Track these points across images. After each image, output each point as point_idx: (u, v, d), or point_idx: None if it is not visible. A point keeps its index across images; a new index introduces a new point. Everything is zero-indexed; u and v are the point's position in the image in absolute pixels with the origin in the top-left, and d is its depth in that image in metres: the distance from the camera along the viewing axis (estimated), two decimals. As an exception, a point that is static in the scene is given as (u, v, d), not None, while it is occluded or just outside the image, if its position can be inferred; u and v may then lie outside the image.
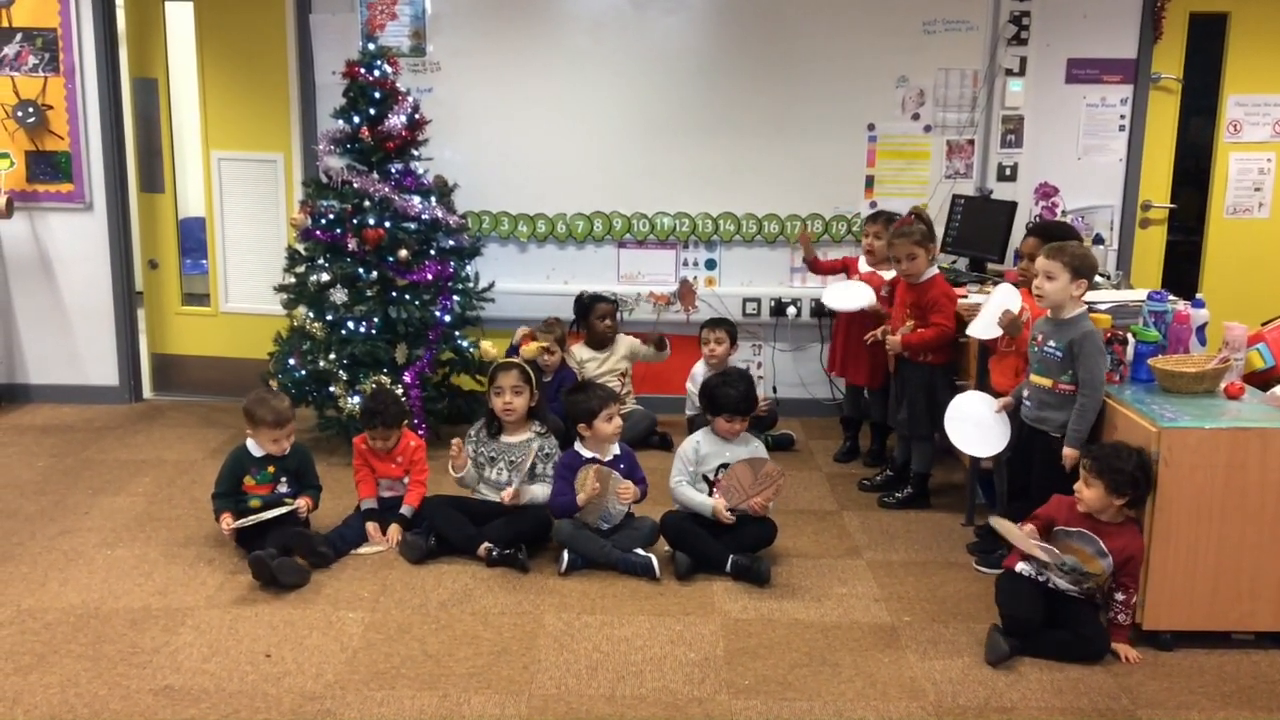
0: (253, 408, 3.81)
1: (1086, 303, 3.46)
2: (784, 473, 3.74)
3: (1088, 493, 3.11)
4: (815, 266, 5.11)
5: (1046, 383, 3.43)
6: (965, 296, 4.42)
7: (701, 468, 3.80)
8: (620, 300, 5.40)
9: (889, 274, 4.71)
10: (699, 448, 3.82)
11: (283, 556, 3.54)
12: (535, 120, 5.44)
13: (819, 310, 5.42)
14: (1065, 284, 3.36)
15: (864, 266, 4.89)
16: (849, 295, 4.71)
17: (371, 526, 3.90)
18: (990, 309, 3.82)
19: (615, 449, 3.85)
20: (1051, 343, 3.41)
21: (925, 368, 4.23)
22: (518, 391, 3.89)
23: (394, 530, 3.89)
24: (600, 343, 5.25)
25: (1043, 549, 3.13)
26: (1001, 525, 3.26)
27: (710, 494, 3.74)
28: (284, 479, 3.85)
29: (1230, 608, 3.15)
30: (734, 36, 5.35)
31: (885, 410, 4.70)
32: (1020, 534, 3.18)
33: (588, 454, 3.80)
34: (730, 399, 3.78)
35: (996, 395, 3.77)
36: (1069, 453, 3.31)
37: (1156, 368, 3.41)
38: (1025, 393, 3.54)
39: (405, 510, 3.95)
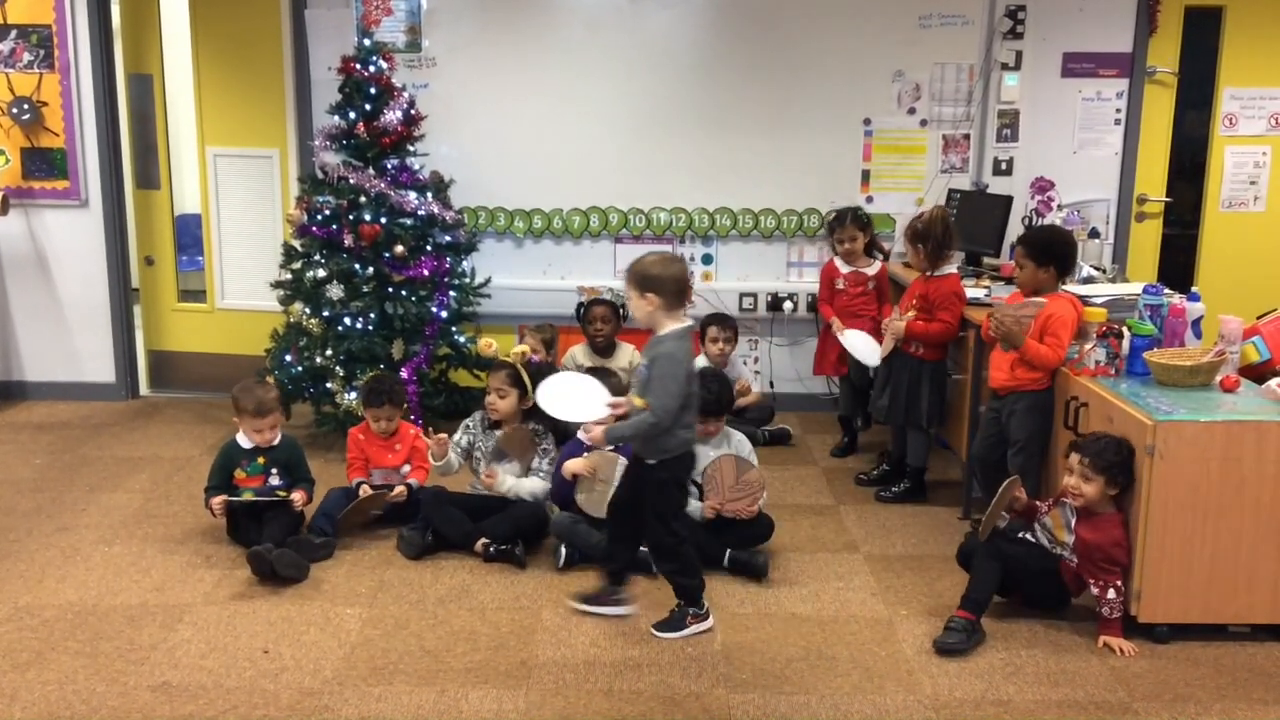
0: (238, 395, 3.86)
1: (1080, 296, 3.44)
2: (764, 486, 3.74)
3: (1088, 488, 3.13)
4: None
5: (640, 403, 3.06)
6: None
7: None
8: (619, 297, 5.36)
9: (871, 269, 4.89)
10: None
11: (281, 549, 3.54)
12: (531, 116, 5.43)
13: (815, 305, 5.43)
14: (638, 304, 3.08)
15: (844, 268, 4.93)
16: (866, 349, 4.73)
17: (365, 488, 3.91)
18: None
19: None
20: (644, 361, 3.14)
21: (915, 360, 4.24)
22: (501, 394, 3.92)
23: (400, 490, 3.92)
24: (599, 348, 5.21)
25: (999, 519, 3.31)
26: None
27: (700, 497, 3.71)
28: (275, 471, 3.86)
29: (1226, 600, 3.16)
30: (730, 31, 5.35)
31: (849, 402, 4.99)
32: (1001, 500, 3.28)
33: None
34: (704, 402, 3.65)
35: (994, 391, 3.82)
36: (596, 433, 3.10)
37: (1152, 361, 3.41)
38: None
39: (412, 482, 3.99)
